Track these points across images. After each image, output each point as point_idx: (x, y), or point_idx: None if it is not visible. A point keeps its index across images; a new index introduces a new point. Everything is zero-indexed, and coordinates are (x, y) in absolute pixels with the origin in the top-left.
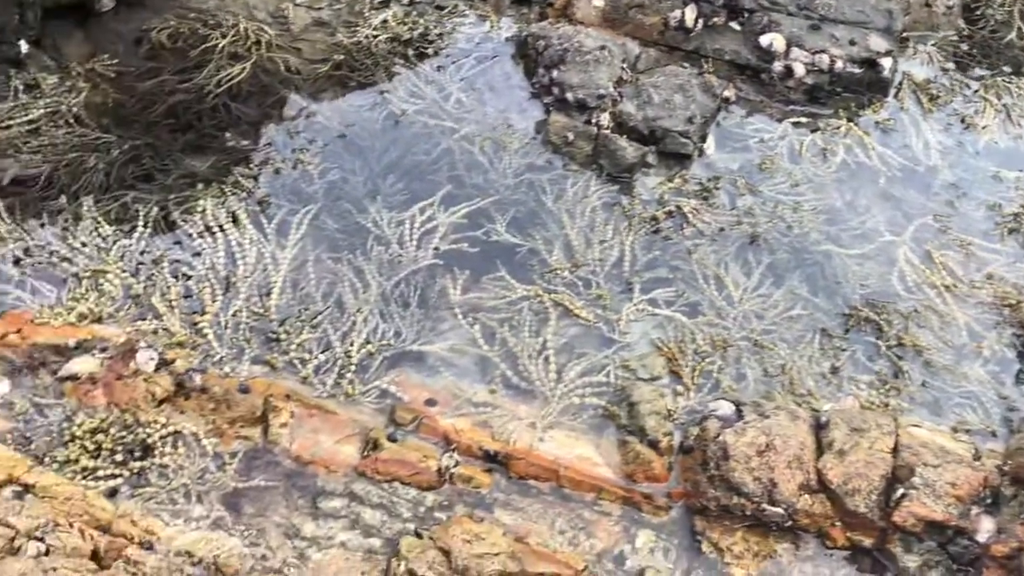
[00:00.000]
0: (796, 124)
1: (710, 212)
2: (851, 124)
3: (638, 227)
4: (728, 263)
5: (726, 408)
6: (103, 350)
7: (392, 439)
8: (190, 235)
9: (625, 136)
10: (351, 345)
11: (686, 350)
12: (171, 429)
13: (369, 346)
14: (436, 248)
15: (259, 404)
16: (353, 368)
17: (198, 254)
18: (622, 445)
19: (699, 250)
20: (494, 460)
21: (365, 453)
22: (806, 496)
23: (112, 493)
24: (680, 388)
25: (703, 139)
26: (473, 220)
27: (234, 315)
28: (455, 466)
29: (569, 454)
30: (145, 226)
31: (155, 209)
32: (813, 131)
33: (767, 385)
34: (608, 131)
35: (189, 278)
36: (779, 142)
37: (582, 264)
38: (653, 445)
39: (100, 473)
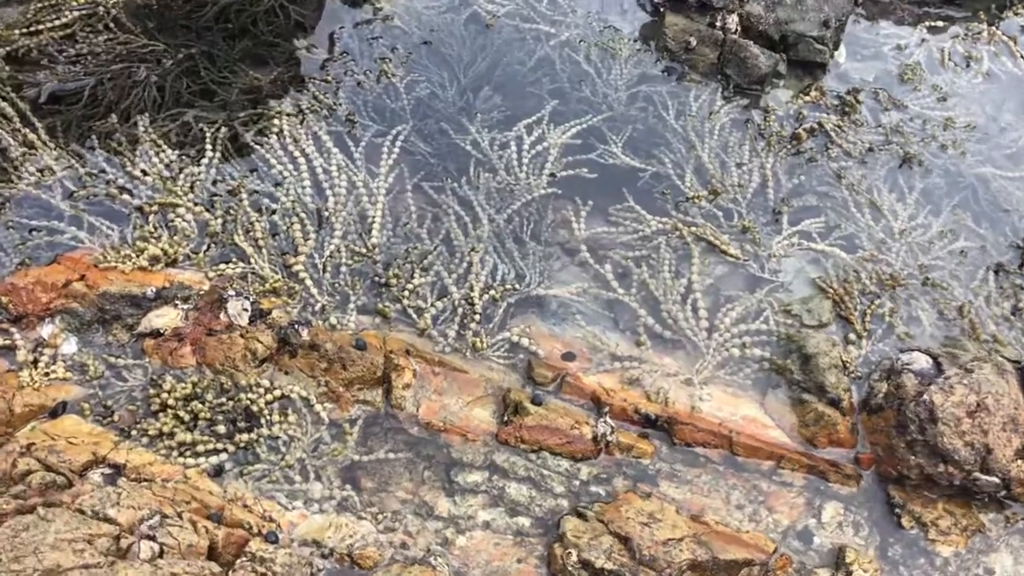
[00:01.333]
0: (932, 28)
1: (854, 130)
2: (993, 29)
3: (777, 148)
4: (879, 188)
5: (922, 361)
6: (185, 299)
7: (536, 401)
8: (267, 161)
9: (753, 42)
10: (471, 291)
11: (851, 291)
12: (277, 393)
13: (492, 292)
14: (552, 175)
15: (379, 362)
16: (477, 318)
17: (279, 184)
18: (797, 404)
19: (848, 174)
20: (653, 425)
21: (505, 419)
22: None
23: (217, 472)
24: (851, 336)
25: (836, 46)
26: (584, 141)
27: (331, 256)
28: (611, 433)
29: (733, 415)
30: (214, 150)
31: (222, 130)
32: (953, 37)
33: (945, 331)
34: (736, 36)
35: (273, 212)
36: (916, 49)
37: (720, 192)
38: (835, 404)
39: (200, 448)
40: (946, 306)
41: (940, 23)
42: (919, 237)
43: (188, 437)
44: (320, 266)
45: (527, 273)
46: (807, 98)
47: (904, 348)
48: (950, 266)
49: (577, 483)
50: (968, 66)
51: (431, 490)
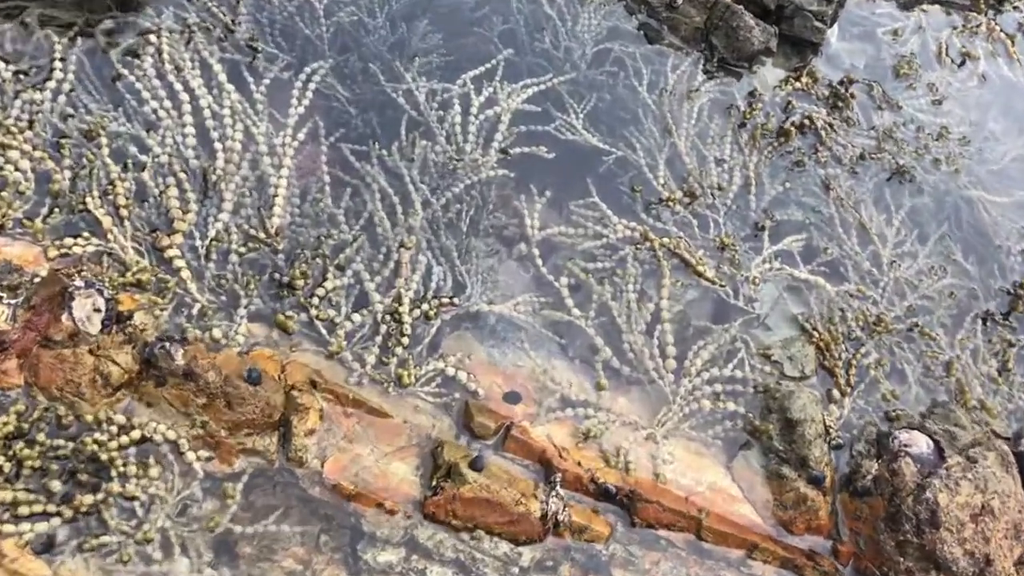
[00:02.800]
0: (929, 13)
1: (845, 131)
2: (992, 24)
3: (763, 144)
4: (868, 204)
5: (922, 444)
6: (13, 289)
7: (477, 466)
8: (138, 94)
9: (745, 10)
10: (398, 302)
11: (836, 336)
12: (136, 435)
13: (425, 306)
14: (503, 151)
15: (276, 402)
16: (404, 340)
17: (152, 128)
18: (774, 478)
19: (836, 184)
20: (612, 499)
21: (435, 483)
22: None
23: (47, 546)
24: (833, 391)
25: (833, 22)
26: (542, 107)
27: (218, 239)
28: (564, 510)
29: (698, 482)
30: (64, 70)
31: (79, 41)
32: (952, 28)
33: (931, 390)
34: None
35: (143, 168)
36: (911, 37)
37: (697, 195)
38: (818, 483)
39: (24, 511)
40: (933, 360)
41: (938, 6)
42: (906, 272)
43: (7, 495)
44: (202, 252)
45: (468, 281)
46: (797, 84)
47: (899, 423)
48: (937, 310)
49: (516, 570)
50: (963, 64)
51: (329, 565)
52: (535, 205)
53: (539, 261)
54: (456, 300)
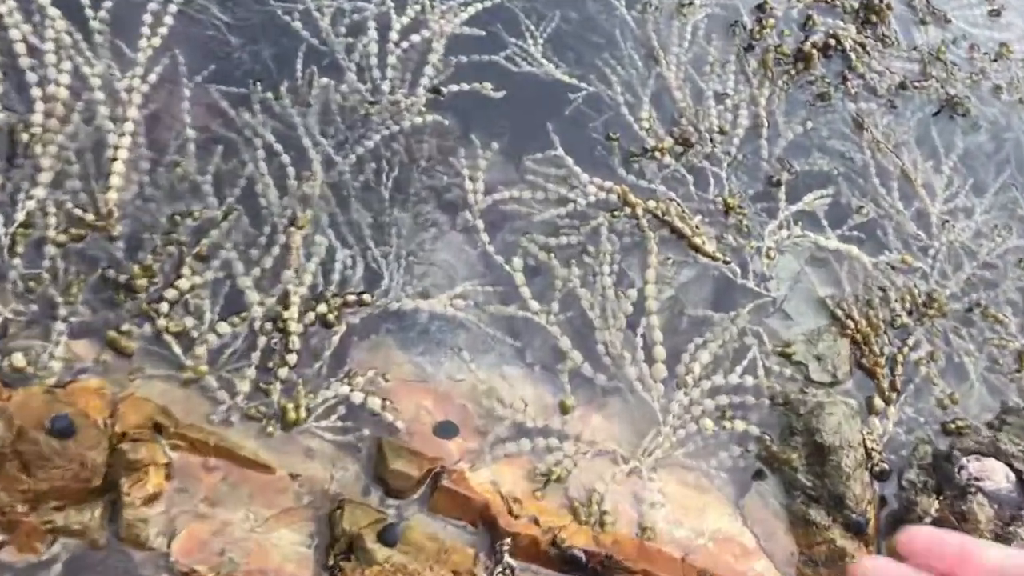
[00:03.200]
0: None
1: (880, 53)
2: None
3: (776, 71)
4: (910, 146)
5: (999, 475)
6: None
7: (389, 540)
8: None
9: None
10: (284, 304)
11: (876, 324)
12: None
13: (322, 306)
14: (435, 90)
15: (97, 461)
16: (292, 356)
17: None
18: (800, 523)
19: (870, 121)
20: (582, 570)
21: (332, 564)
22: None
23: None
24: (875, 399)
25: None
26: (487, 30)
27: (29, 223)
28: None
29: (699, 532)
30: None
31: None
32: None
33: (999, 390)
34: None
35: None
36: None
37: (693, 142)
38: (857, 530)
39: None
40: (1000, 349)
41: None
42: (961, 234)
43: None
44: (5, 242)
45: (386, 269)
46: None
47: (962, 442)
48: (1003, 282)
49: None
50: None
51: None
52: (478, 162)
53: (484, 237)
54: (368, 296)
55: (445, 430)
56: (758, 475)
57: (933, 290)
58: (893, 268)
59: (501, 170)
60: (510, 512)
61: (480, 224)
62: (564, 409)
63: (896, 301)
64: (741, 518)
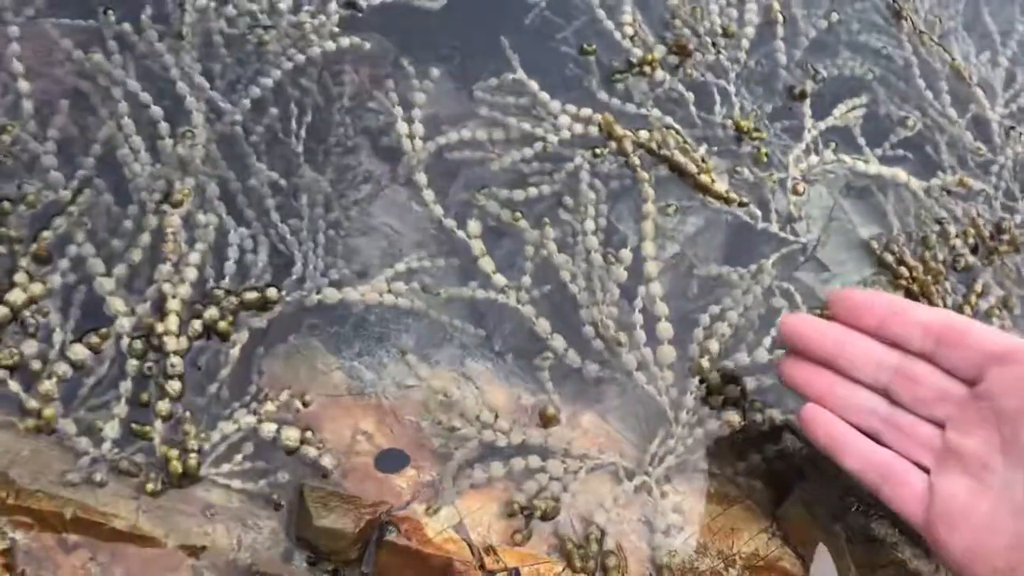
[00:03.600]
0: None
1: None
2: None
3: None
4: (957, 33)
5: None
6: None
7: None
8: None
9: None
10: (161, 312)
11: (935, 269)
12: None
13: (212, 311)
14: (350, 4)
15: None
16: (175, 380)
17: None
18: (860, 541)
19: (909, 7)
20: None
21: None
22: None
23: None
24: None
25: None
26: None
27: None
28: None
29: (726, 559)
30: None
31: None
32: None
33: None
34: None
35: None
36: None
37: (691, 49)
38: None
39: None
40: None
41: None
42: None
43: None
44: None
45: (298, 249)
46: None
47: None
48: None
49: None
50: None
51: None
52: (415, 96)
53: (428, 195)
54: (274, 291)
55: (390, 462)
56: (800, 478)
57: (1001, 218)
58: (949, 193)
59: (447, 103)
60: (483, 568)
61: (423, 179)
62: (546, 420)
63: (956, 236)
64: (781, 536)
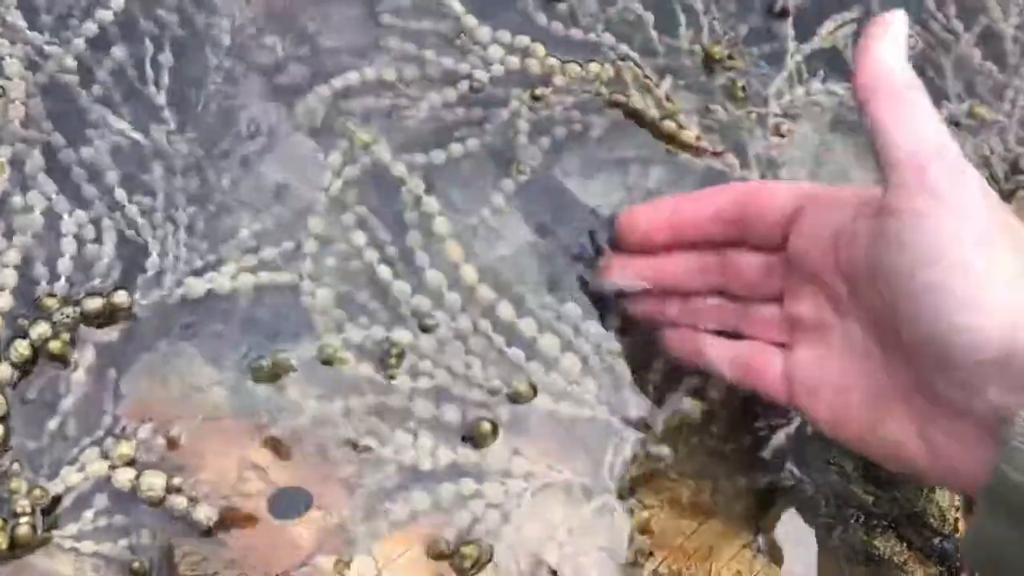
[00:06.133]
0: None
1: None
2: None
3: None
4: None
5: None
6: None
7: None
8: None
9: None
10: None
11: None
12: None
13: (39, 327)
14: None
15: None
16: None
17: None
18: (862, 561)
19: None
20: None
21: None
22: None
23: None
24: None
25: None
26: None
27: None
28: None
29: None
30: None
31: None
32: None
33: None
34: None
35: None
36: None
37: None
38: (944, 560)
39: None
40: None
41: None
42: None
43: None
44: None
45: (153, 233)
46: None
47: None
48: None
49: None
50: None
51: None
52: (305, 24)
53: (320, 157)
54: (123, 293)
55: (288, 504)
56: (789, 488)
57: (1017, 155)
58: (958, 125)
59: (349, 33)
60: None
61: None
62: (479, 437)
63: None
64: (769, 554)
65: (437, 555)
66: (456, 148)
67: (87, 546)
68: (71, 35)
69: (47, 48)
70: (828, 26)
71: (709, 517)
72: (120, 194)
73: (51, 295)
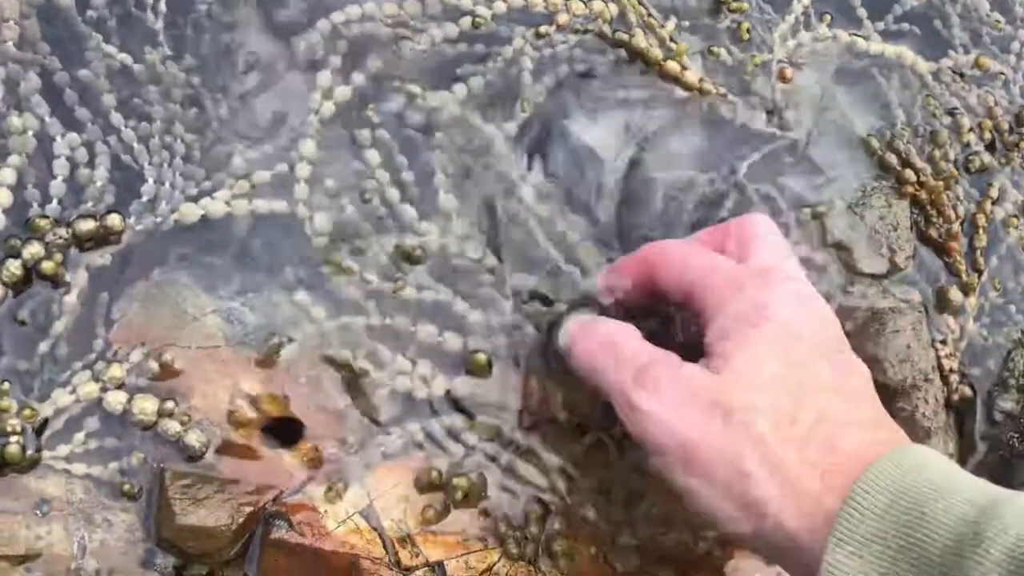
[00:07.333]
0: None
1: None
2: None
3: None
4: None
5: None
6: None
7: None
8: None
9: None
10: None
11: (945, 166)
12: None
13: (31, 248)
14: None
15: None
16: None
17: None
18: None
19: None
20: None
21: None
22: None
23: None
24: (951, 290)
25: None
26: None
27: None
28: None
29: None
30: None
31: None
32: None
33: None
34: None
35: None
36: None
37: None
38: None
39: None
40: None
41: None
42: None
43: None
44: None
45: (149, 158)
46: None
47: None
48: None
49: None
50: None
51: None
52: None
53: (315, 100)
54: (116, 216)
55: (280, 434)
56: None
57: (1022, 107)
58: (962, 76)
59: None
60: (398, 565)
61: (318, 53)
62: (476, 367)
63: (970, 130)
64: None
65: (428, 485)
66: (458, 90)
67: (78, 468)
68: None
69: None
70: None
71: None
72: (116, 118)
73: (43, 216)
